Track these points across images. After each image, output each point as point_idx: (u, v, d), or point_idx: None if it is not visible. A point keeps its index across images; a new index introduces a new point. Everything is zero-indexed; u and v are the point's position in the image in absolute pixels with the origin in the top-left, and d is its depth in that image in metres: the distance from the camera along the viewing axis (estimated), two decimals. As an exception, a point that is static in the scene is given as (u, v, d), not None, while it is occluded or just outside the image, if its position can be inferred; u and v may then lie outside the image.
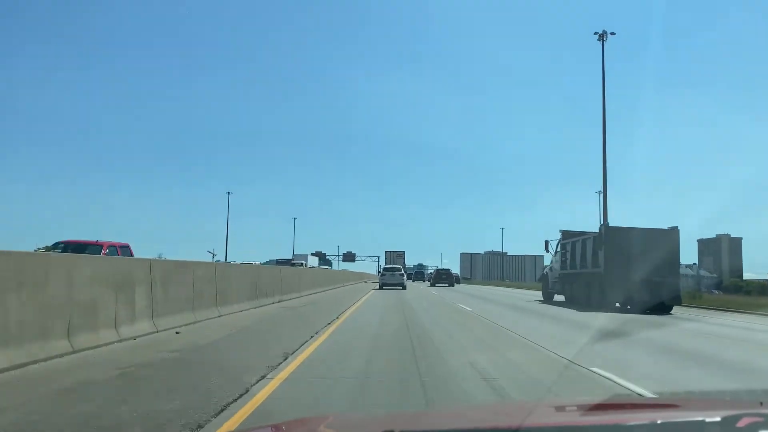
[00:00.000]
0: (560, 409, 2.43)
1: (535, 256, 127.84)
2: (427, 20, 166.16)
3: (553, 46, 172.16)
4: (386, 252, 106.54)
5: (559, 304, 23.16)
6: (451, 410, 3.79)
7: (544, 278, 27.74)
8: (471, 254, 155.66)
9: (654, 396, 5.53)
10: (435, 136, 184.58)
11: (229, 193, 76.89)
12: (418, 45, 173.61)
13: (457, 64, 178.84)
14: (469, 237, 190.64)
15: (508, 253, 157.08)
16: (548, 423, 1.92)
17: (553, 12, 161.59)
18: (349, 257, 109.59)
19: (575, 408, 2.35)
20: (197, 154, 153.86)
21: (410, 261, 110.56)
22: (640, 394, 5.63)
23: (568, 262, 23.77)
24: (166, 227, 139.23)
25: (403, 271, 39.61)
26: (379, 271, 53.98)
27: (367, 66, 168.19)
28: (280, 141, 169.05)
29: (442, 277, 49.61)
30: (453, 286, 48.02)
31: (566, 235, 24.98)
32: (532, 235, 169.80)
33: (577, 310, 18.94)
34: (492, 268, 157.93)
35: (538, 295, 33.95)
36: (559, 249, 25.14)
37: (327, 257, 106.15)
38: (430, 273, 65.39)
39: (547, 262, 30.81)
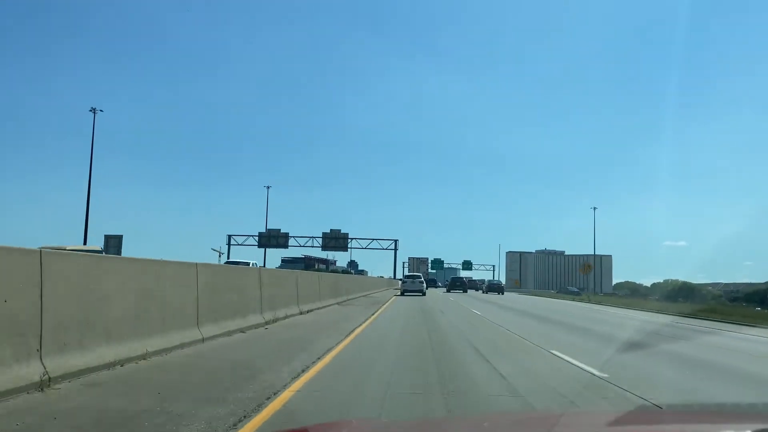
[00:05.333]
0: (585, 419, 2.63)
1: (601, 255, 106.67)
2: (458, 14, 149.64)
3: (585, 44, 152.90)
4: (410, 258, 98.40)
5: None
6: (476, 419, 3.74)
7: None
8: (520, 253, 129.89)
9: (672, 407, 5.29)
10: (473, 136, 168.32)
11: (94, 110, 40.58)
12: (442, 37, 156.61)
13: (489, 59, 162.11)
14: (521, 236, 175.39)
15: (566, 252, 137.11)
16: None
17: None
18: (334, 241, 73.02)
19: (601, 419, 2.46)
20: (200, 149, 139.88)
21: (458, 259, 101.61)
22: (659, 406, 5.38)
23: None
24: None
25: (423, 279, 41.92)
26: (400, 279, 56.59)
27: (400, 64, 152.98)
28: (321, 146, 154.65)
29: (456, 285, 55.40)
30: (466, 292, 52.59)
31: None
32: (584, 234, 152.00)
33: None
34: (545, 271, 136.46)
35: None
36: None
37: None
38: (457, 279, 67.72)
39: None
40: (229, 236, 76.66)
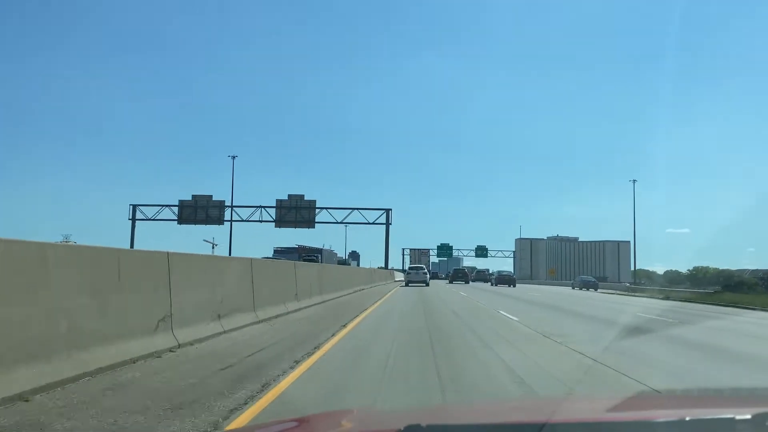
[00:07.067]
0: (586, 404, 2.68)
1: (618, 242, 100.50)
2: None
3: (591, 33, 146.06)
4: (411, 250, 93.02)
5: None
6: (477, 405, 3.86)
7: None
8: (531, 240, 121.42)
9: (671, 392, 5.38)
10: (478, 123, 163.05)
11: None
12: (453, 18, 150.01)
13: (491, 42, 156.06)
14: (536, 223, 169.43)
15: (580, 239, 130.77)
16: (574, 419, 1.93)
17: None
18: (294, 212, 52.26)
19: (601, 404, 2.42)
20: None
21: (470, 245, 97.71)
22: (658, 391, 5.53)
23: None
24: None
25: (426, 271, 41.88)
26: (404, 270, 54.45)
27: (398, 50, 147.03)
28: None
29: (459, 276, 53.13)
30: (468, 283, 49.79)
31: None
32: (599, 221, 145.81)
33: None
34: (557, 259, 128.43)
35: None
36: None
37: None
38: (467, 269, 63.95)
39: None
40: (134, 206, 55.82)
